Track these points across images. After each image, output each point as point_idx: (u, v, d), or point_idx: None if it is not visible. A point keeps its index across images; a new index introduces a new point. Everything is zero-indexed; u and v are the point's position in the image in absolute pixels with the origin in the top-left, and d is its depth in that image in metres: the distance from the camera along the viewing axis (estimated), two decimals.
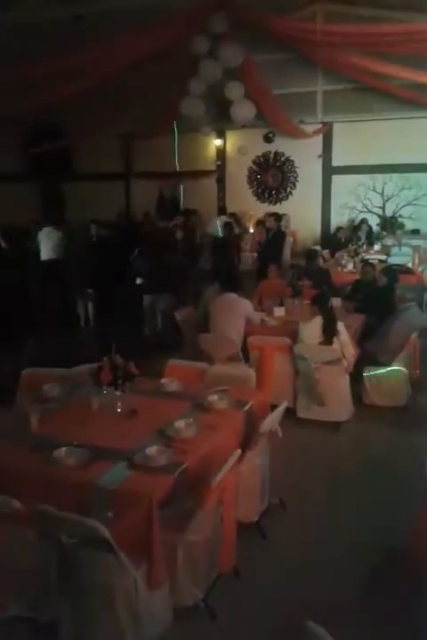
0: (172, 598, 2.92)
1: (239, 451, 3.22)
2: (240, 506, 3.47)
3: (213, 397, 3.80)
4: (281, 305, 6.48)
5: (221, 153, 15.70)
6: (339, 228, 12.93)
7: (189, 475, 2.99)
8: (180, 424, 3.39)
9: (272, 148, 15.27)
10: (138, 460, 3.02)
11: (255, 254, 11.54)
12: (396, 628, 3.02)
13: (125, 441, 3.26)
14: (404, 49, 6.22)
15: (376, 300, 6.41)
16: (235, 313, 5.78)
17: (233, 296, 5.90)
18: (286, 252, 11.39)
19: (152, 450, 3.10)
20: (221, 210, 13.84)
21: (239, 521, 3.47)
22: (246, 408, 3.76)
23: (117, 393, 3.62)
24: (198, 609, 3.04)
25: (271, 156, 15.40)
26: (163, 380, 4.18)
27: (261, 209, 14.84)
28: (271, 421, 3.69)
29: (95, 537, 2.53)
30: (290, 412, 4.97)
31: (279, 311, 6.34)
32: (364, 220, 13.22)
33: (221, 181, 15.66)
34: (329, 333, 5.35)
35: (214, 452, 3.22)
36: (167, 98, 10.57)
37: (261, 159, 15.51)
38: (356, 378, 5.67)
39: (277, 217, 12.11)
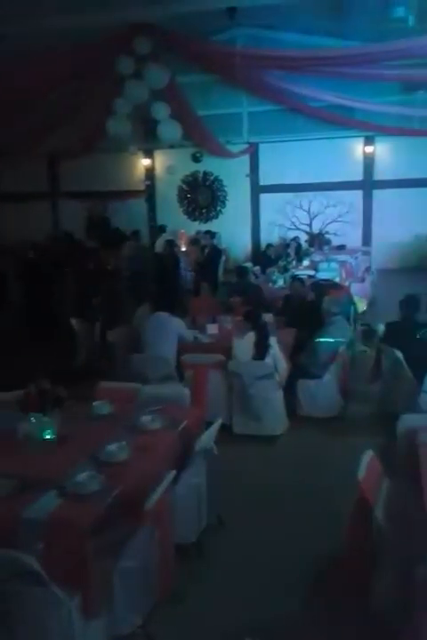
0: (109, 627, 2.81)
1: (174, 471, 3.17)
2: (178, 527, 3.41)
3: (147, 418, 3.73)
4: (214, 322, 6.50)
5: (149, 172, 15.73)
6: (269, 245, 13.19)
7: (122, 499, 2.91)
8: (112, 448, 3.30)
9: (201, 167, 15.49)
10: (69, 487, 2.91)
11: (192, 273, 11.57)
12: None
13: (55, 469, 3.13)
14: (322, 72, 6.48)
15: (306, 314, 6.56)
16: (167, 332, 5.74)
17: (165, 315, 5.86)
18: (219, 270, 11.51)
19: (83, 476, 3.00)
20: (162, 228, 13.81)
21: (177, 543, 3.41)
22: (181, 427, 3.72)
23: (46, 419, 3.48)
24: (137, 637, 2.94)
25: (200, 175, 15.62)
26: (94, 404, 4.06)
27: (192, 227, 14.98)
28: (206, 439, 3.66)
29: (26, 570, 2.41)
30: (226, 429, 4.97)
31: (212, 328, 6.35)
32: (294, 238, 13.58)
33: (150, 201, 15.67)
34: (261, 348, 5.41)
35: (149, 474, 3.15)
36: (93, 117, 10.48)
37: (191, 178, 15.70)
38: (289, 391, 5.75)
39: (212, 235, 12.24)
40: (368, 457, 3.22)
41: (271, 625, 3.15)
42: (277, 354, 5.47)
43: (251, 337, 5.47)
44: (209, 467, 3.81)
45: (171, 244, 11.50)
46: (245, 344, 5.47)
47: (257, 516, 4.23)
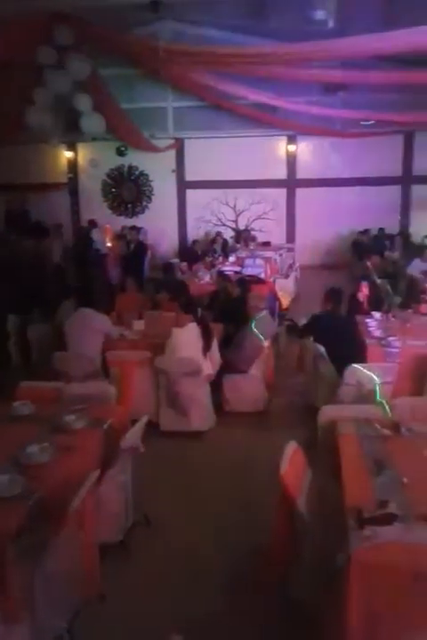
0: (32, 632, 2.72)
1: (98, 471, 3.11)
2: (104, 526, 3.35)
3: (70, 418, 3.64)
4: (140, 318, 6.43)
5: (72, 165, 15.34)
6: (195, 241, 13.24)
7: (45, 501, 2.82)
8: (33, 449, 3.19)
9: (126, 161, 15.28)
10: None
11: (118, 268, 11.37)
12: (260, 629, 3.12)
13: None
14: (244, 70, 6.56)
15: (232, 309, 6.62)
16: (91, 329, 5.61)
17: (89, 311, 5.73)
18: (145, 266, 11.41)
19: (4, 479, 2.88)
20: (92, 223, 13.47)
21: (103, 542, 3.35)
22: (106, 426, 3.65)
23: None
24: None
25: (125, 169, 15.40)
26: (15, 404, 3.91)
27: (117, 222, 14.74)
28: (132, 437, 3.61)
29: None
30: (153, 426, 4.93)
31: (139, 325, 6.29)
32: (218, 234, 13.69)
33: (73, 194, 15.29)
34: (209, 339, 5.42)
35: (72, 474, 3.07)
36: (12, 108, 10.07)
37: (115, 172, 15.45)
38: (216, 386, 5.79)
39: (137, 230, 12.10)
40: (291, 449, 3.30)
41: (197, 621, 3.17)
42: (215, 348, 5.51)
43: (193, 328, 5.42)
44: (135, 464, 3.77)
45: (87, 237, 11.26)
46: (187, 333, 5.41)
47: (184, 513, 4.24)
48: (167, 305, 6.59)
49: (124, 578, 3.51)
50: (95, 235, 12.51)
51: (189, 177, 15.37)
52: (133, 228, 12.87)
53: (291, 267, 12.06)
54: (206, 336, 5.45)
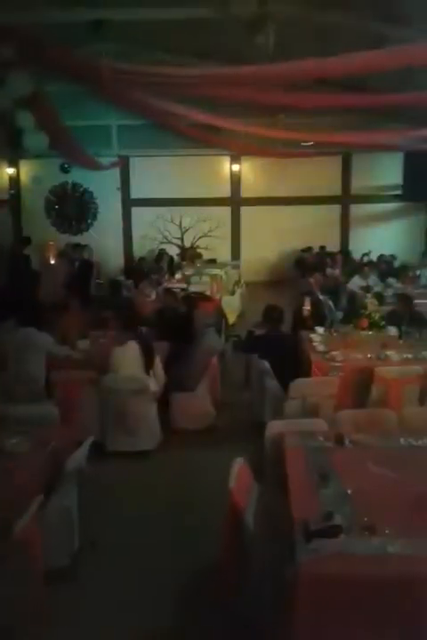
0: None
1: (41, 496, 3.03)
2: (49, 551, 3.25)
3: (12, 441, 3.53)
4: (85, 338, 6.33)
5: (14, 182, 15.01)
6: (141, 259, 13.19)
7: None
8: None
9: (69, 178, 15.10)
10: None
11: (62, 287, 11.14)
12: None
13: None
14: (190, 92, 6.63)
15: (178, 327, 6.63)
16: (34, 348, 5.47)
17: (32, 331, 5.59)
18: (90, 284, 11.25)
19: None
20: (26, 240, 13.14)
21: (49, 567, 3.25)
22: (50, 448, 3.56)
23: None
24: None
25: (69, 186, 15.22)
26: None
27: (61, 240, 14.50)
28: (77, 459, 3.54)
29: None
30: (99, 447, 4.84)
31: (83, 344, 6.19)
32: (162, 251, 13.71)
33: (15, 211, 14.95)
34: (150, 357, 5.38)
35: (14, 500, 2.97)
36: None
37: (59, 189, 15.25)
38: (163, 404, 5.76)
39: (82, 248, 11.94)
40: (238, 465, 3.32)
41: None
42: (158, 365, 5.48)
43: (133, 347, 5.38)
44: (81, 487, 3.69)
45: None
46: (127, 351, 5.36)
47: (132, 534, 4.17)
48: (113, 324, 6.51)
49: (69, 602, 3.42)
50: (28, 252, 12.15)
51: (134, 194, 15.35)
52: (78, 245, 12.70)
53: (237, 283, 12.21)
54: (147, 354, 5.42)
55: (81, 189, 15.25)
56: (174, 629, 3.29)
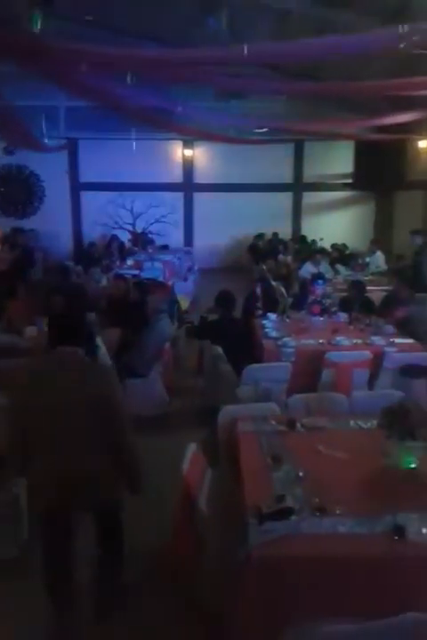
0: None
1: None
2: None
3: None
4: (33, 325, 6.16)
5: None
6: (91, 244, 12.95)
7: None
8: None
9: (14, 160, 14.62)
10: None
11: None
12: (165, 632, 3.10)
13: None
14: (135, 73, 6.49)
15: (130, 313, 6.54)
16: None
17: None
18: (37, 269, 10.96)
19: None
20: None
21: None
22: None
23: None
24: None
25: (14, 169, 14.74)
26: None
27: (6, 224, 14.05)
28: None
29: None
30: None
31: (31, 331, 6.02)
32: (113, 236, 13.50)
33: None
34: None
35: None
36: None
37: (3, 172, 14.75)
38: None
39: (28, 232, 11.60)
40: (191, 450, 3.30)
41: (100, 628, 3.11)
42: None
43: None
44: None
45: None
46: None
47: (86, 523, 4.10)
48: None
49: (21, 592, 3.33)
50: None
51: (83, 178, 15.03)
52: (21, 230, 12.35)
53: (190, 269, 12.17)
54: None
55: (26, 172, 14.79)
56: (127, 615, 3.26)
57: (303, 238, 14.34)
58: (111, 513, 3.20)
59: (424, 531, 2.54)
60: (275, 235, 14.97)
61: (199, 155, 15.75)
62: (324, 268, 10.13)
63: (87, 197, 15.12)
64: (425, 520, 2.61)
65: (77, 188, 15.14)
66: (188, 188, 15.91)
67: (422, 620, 2.14)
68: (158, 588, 3.36)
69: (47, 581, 3.08)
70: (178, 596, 3.20)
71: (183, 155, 15.66)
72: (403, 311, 6.31)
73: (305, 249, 12.79)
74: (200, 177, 15.79)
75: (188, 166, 15.78)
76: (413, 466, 3.08)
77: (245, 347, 5.69)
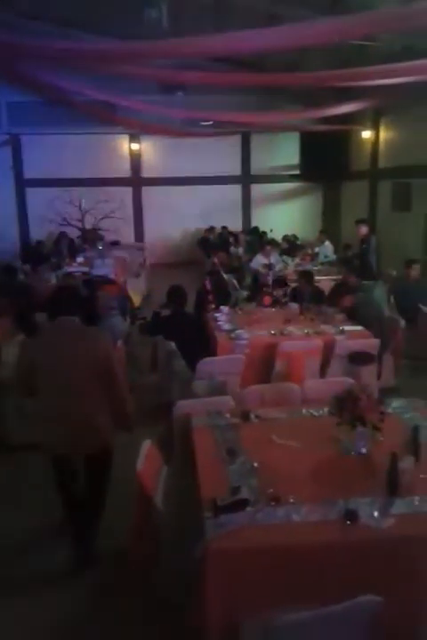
0: None
1: None
2: None
3: None
4: None
5: None
6: (39, 242, 12.65)
7: None
8: None
9: None
10: None
11: None
12: (128, 631, 3.08)
13: None
14: (77, 66, 6.35)
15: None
16: None
17: None
18: None
19: None
20: None
21: None
22: None
23: None
24: None
25: None
26: None
27: None
28: None
29: None
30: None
31: None
32: (61, 234, 13.23)
33: None
34: None
35: None
36: None
37: None
38: None
39: None
40: (146, 447, 3.28)
41: (63, 629, 3.10)
42: None
43: (21, 340, 5.15)
44: None
45: None
46: (15, 348, 5.12)
47: (43, 522, 4.03)
48: (9, 311, 6.18)
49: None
50: None
51: (28, 174, 14.65)
52: None
53: (141, 265, 12.06)
54: None
55: None
56: (87, 614, 3.23)
57: (255, 230, 14.44)
58: (103, 456, 3.66)
59: (376, 514, 2.61)
60: (225, 228, 15.02)
61: (147, 148, 15.61)
62: (275, 259, 10.23)
63: (33, 194, 14.74)
64: (376, 504, 2.68)
65: (22, 184, 14.74)
66: (136, 182, 15.74)
67: (377, 602, 2.19)
68: (119, 586, 3.33)
69: (62, 498, 3.71)
70: (139, 593, 3.19)
71: (130, 149, 15.48)
72: (351, 299, 6.45)
73: (256, 241, 12.88)
74: (148, 171, 15.66)
75: (135, 160, 15.61)
76: (363, 451, 3.16)
77: (198, 341, 5.68)
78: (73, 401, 3.43)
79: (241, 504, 2.66)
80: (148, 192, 15.73)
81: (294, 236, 13.47)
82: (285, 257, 10.84)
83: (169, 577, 3.07)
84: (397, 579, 2.52)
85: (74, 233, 13.95)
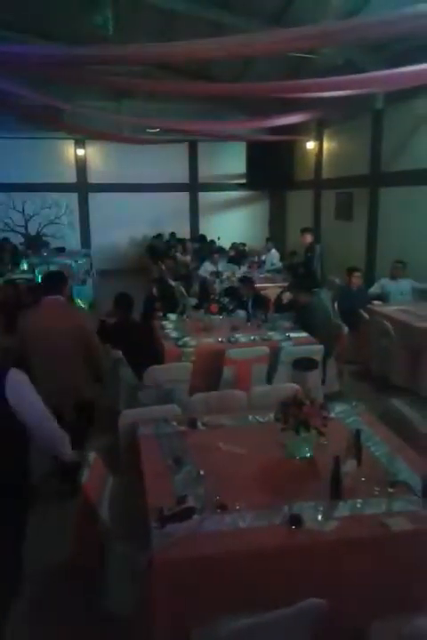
0: None
1: None
2: None
3: None
4: None
5: None
6: None
7: None
8: None
9: None
10: None
11: None
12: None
13: None
14: (21, 70, 6.23)
15: None
16: None
17: None
18: None
19: None
20: None
21: None
22: None
23: None
24: None
25: None
26: None
27: None
28: None
29: None
30: None
31: None
32: (4, 240, 12.88)
33: None
34: None
35: None
36: None
37: None
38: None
39: None
40: (91, 457, 3.23)
41: None
42: None
43: None
44: None
45: None
46: None
47: None
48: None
49: None
50: None
51: None
52: None
53: (88, 272, 11.88)
54: None
55: None
56: (30, 629, 3.14)
57: (202, 237, 14.50)
58: (86, 410, 4.54)
59: (319, 518, 2.66)
60: (172, 234, 15.01)
61: (93, 154, 15.43)
62: (222, 266, 10.30)
63: None
64: (320, 507, 2.73)
65: None
66: (82, 188, 15.52)
67: (322, 605, 2.23)
68: (64, 600, 3.25)
69: None
70: (83, 606, 3.13)
71: (76, 154, 15.26)
72: (306, 297, 6.48)
73: (204, 248, 12.94)
74: (95, 177, 15.47)
75: (81, 166, 15.40)
76: (308, 455, 3.22)
77: (145, 349, 5.64)
78: (59, 364, 4.21)
79: (187, 513, 2.65)
80: (94, 198, 15.54)
81: (243, 244, 13.62)
82: (232, 265, 10.94)
83: (114, 589, 3.02)
84: (340, 581, 2.57)
85: (17, 239, 13.59)
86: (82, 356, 4.34)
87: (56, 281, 4.48)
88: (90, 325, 4.53)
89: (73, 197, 15.22)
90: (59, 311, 4.34)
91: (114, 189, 15.30)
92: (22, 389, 2.58)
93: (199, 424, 3.72)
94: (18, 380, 2.56)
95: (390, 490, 2.86)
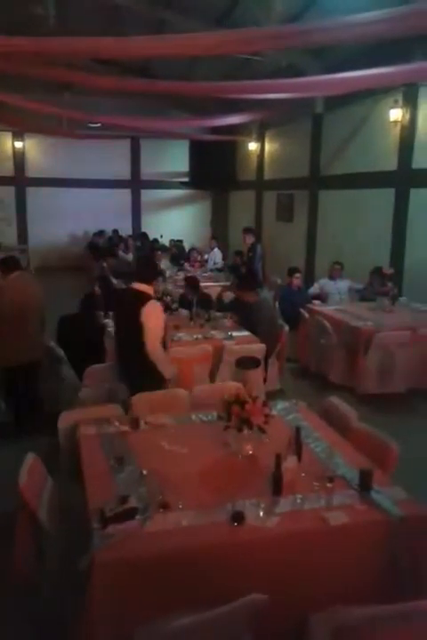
0: None
1: None
2: None
3: None
4: None
5: None
6: None
7: None
8: None
9: None
10: None
11: None
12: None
13: None
14: None
15: None
16: None
17: None
18: None
19: None
20: None
21: None
22: None
23: None
24: None
25: None
26: None
27: None
28: None
29: None
30: None
31: None
32: None
33: None
34: None
35: None
36: None
37: None
38: None
39: None
40: (29, 460, 3.15)
41: None
42: None
43: None
44: None
45: None
46: None
47: None
48: None
49: None
50: None
51: None
52: None
53: (25, 269, 11.52)
54: None
55: None
56: None
57: (145, 235, 14.39)
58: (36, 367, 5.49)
59: (261, 514, 2.70)
60: (115, 232, 14.81)
61: (32, 147, 14.99)
62: (165, 264, 10.26)
63: None
64: (262, 504, 2.77)
65: None
66: (19, 181, 15.05)
67: (263, 600, 2.26)
68: (3, 605, 3.15)
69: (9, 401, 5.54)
70: (25, 611, 3.04)
71: (14, 147, 14.78)
72: (255, 295, 6.52)
73: (146, 246, 12.84)
74: (33, 171, 15.04)
75: (19, 159, 14.93)
76: (250, 453, 3.26)
77: (86, 348, 5.54)
78: (26, 327, 5.21)
79: (130, 513, 2.63)
80: (33, 193, 15.10)
81: (180, 241, 13.59)
82: (174, 263, 10.92)
83: (55, 593, 2.96)
84: (282, 575, 2.62)
85: None
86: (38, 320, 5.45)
87: (14, 261, 5.62)
88: (43, 295, 5.71)
89: (10, 191, 14.75)
90: (28, 282, 5.62)
91: (54, 184, 14.93)
92: None
93: (142, 423, 3.70)
94: None
95: (329, 484, 2.94)
